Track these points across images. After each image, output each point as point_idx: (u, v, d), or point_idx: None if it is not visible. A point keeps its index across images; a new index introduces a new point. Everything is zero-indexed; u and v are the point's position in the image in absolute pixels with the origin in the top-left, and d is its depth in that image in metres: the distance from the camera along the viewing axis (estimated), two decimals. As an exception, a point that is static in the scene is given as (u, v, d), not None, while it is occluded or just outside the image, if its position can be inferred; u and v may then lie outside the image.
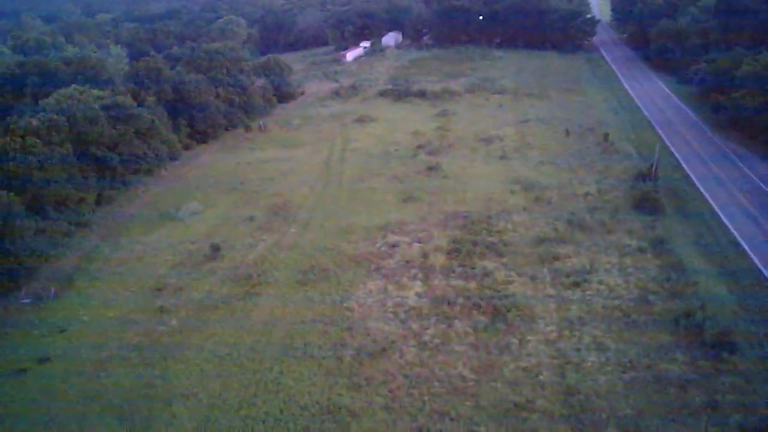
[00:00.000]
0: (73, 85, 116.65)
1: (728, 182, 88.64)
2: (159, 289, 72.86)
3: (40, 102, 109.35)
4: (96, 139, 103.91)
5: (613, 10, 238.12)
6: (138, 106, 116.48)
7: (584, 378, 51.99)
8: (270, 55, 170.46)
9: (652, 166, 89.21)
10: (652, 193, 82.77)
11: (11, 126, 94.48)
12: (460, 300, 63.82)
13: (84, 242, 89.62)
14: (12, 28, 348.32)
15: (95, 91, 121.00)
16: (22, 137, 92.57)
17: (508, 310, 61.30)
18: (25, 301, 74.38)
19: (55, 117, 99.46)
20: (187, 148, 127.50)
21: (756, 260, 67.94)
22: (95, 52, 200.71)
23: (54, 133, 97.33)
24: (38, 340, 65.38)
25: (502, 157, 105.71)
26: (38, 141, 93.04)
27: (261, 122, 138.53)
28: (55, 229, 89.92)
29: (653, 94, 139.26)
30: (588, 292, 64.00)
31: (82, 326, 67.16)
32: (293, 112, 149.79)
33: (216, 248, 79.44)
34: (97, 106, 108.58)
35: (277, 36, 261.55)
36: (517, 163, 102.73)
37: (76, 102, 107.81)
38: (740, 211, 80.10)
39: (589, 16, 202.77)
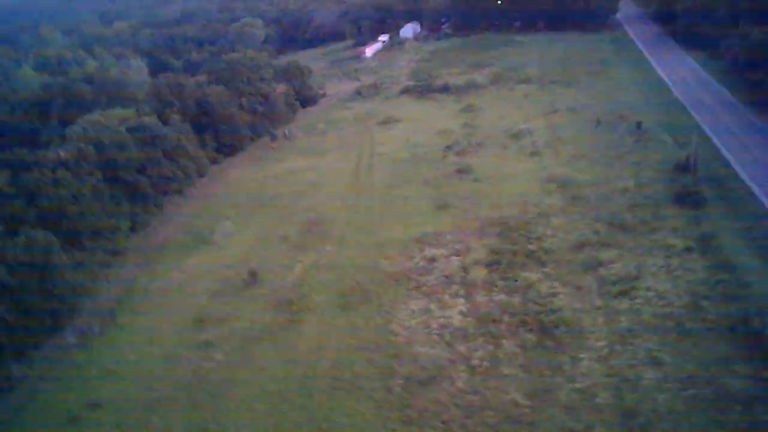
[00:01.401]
0: (98, 111, 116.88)
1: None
2: (201, 321, 72.75)
3: (66, 130, 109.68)
4: (125, 163, 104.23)
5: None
6: (163, 124, 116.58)
7: (642, 398, 50.45)
8: (290, 59, 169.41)
9: (689, 157, 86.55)
10: (693, 186, 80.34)
11: (40, 159, 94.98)
12: (506, 317, 62.60)
13: (122, 272, 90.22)
14: (32, 42, 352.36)
15: (119, 111, 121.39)
16: (53, 170, 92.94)
17: (556, 326, 59.89)
18: (70, 340, 74.89)
19: (83, 146, 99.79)
20: (214, 162, 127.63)
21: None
22: (115, 66, 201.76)
23: (83, 163, 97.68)
24: (87, 382, 65.75)
25: (533, 154, 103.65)
26: (68, 173, 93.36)
27: (286, 130, 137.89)
28: (92, 260, 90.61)
29: (684, 73, 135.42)
30: (637, 301, 62.16)
31: (129, 366, 67.35)
32: (316, 116, 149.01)
33: (254, 273, 79.03)
34: (123, 129, 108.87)
35: (294, 33, 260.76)
36: (550, 159, 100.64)
37: (102, 127, 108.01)
38: (789, 199, 77.38)
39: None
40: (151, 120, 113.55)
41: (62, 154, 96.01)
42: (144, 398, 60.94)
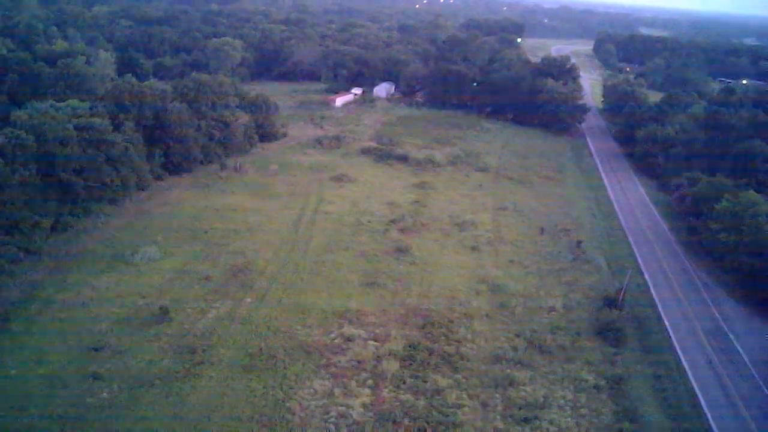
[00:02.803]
0: (50, 101, 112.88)
1: (694, 318, 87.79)
2: (97, 349, 69.13)
3: (11, 113, 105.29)
4: (63, 161, 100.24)
5: (604, 97, 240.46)
6: (114, 129, 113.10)
7: None
8: (259, 91, 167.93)
9: (620, 291, 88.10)
10: (616, 323, 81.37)
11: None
12: (406, 420, 61.20)
13: (30, 273, 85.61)
14: (7, 5, 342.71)
15: (73, 103, 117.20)
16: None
17: (454, 442, 58.86)
18: (-48, 337, 70.23)
19: (23, 134, 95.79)
20: (158, 178, 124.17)
21: (711, 421, 66.35)
22: (83, 53, 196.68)
23: (19, 152, 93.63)
24: (-43, 390, 61.34)
25: (473, 249, 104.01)
26: (1, 160, 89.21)
27: (238, 163, 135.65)
28: (2, 254, 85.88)
29: (632, 200, 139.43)
30: (537, 432, 61.90)
31: (6, 381, 63.18)
32: (273, 155, 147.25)
33: (165, 311, 75.87)
34: (70, 126, 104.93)
35: (271, 63, 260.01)
36: (488, 258, 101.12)
37: (49, 119, 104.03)
38: (701, 355, 78.96)
39: (580, 102, 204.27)
40: (101, 122, 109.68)
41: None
42: (11, 423, 56.96)
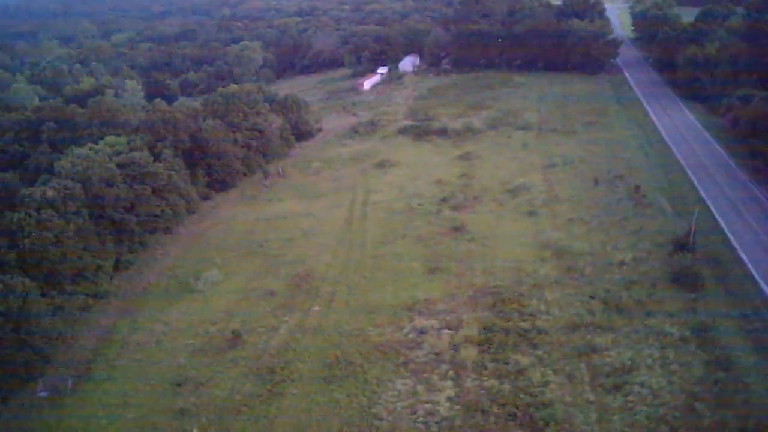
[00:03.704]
0: (89, 144, 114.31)
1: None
2: (179, 385, 70.20)
3: (55, 165, 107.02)
4: (112, 201, 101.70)
5: (634, 26, 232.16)
6: (155, 159, 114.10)
7: None
8: (287, 92, 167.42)
9: (689, 232, 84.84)
10: (691, 267, 78.35)
11: (25, 199, 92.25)
12: (495, 408, 60.35)
13: (101, 318, 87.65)
14: (29, 49, 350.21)
15: (110, 139, 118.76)
16: (38, 210, 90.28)
17: (547, 424, 57.59)
18: (42, 394, 72.25)
19: (70, 184, 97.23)
20: (205, 198, 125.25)
21: (810, 354, 63.66)
22: (110, 84, 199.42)
23: (70, 202, 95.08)
24: (55, 449, 63.05)
25: (530, 213, 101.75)
26: (54, 213, 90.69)
27: (280, 167, 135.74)
28: (72, 304, 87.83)
29: (683, 129, 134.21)
30: (630, 398, 60.07)
31: (99, 431, 64.61)
32: (312, 152, 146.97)
33: (237, 334, 76.56)
34: (113, 165, 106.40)
35: (293, 58, 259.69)
36: (546, 221, 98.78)
37: (91, 163, 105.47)
38: (787, 285, 75.70)
39: (611, 36, 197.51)
40: (142, 155, 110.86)
41: (49, 192, 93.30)
42: (113, 477, 58.42)
